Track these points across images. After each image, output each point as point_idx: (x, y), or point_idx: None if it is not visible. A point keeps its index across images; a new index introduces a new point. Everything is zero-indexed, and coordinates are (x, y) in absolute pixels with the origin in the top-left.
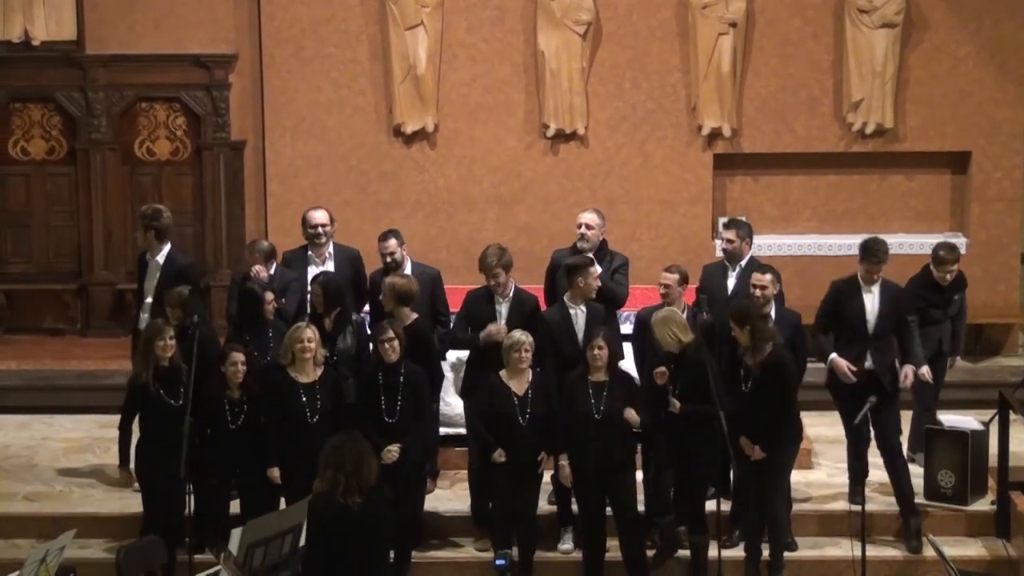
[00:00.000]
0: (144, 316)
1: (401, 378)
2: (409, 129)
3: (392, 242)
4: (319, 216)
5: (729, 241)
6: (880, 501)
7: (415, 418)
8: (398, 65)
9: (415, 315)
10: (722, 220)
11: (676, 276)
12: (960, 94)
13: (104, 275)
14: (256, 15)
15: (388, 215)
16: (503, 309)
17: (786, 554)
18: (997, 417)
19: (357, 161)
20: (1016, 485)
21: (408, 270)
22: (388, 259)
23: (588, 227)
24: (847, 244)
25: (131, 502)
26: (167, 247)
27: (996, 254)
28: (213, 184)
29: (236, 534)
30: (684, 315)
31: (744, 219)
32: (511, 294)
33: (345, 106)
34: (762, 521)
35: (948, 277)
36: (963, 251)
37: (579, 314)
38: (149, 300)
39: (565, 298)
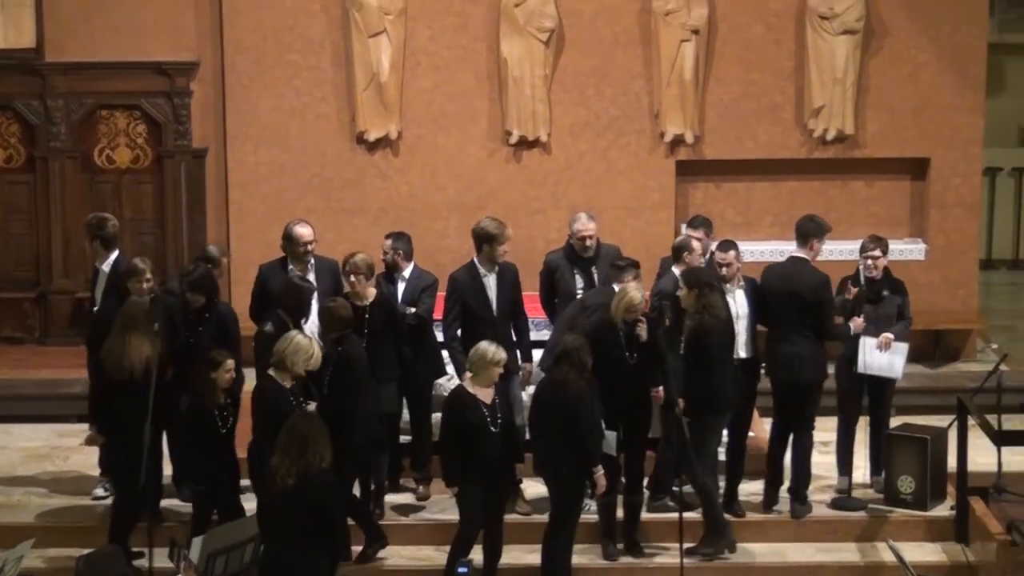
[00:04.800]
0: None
1: (335, 356)
2: (372, 136)
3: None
4: (308, 233)
5: (699, 240)
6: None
7: (345, 399)
8: (361, 72)
9: (374, 290)
10: (684, 224)
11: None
12: (919, 100)
13: (63, 283)
14: (218, 22)
15: (351, 223)
16: (491, 282)
17: (734, 561)
18: (956, 423)
19: (320, 168)
20: (975, 491)
21: (407, 273)
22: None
23: (590, 237)
24: None
25: (90, 511)
26: (114, 255)
27: (955, 260)
28: (174, 192)
29: (197, 543)
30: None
31: (701, 216)
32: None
33: (308, 113)
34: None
35: (870, 264)
36: (922, 257)
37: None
38: (96, 308)
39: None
